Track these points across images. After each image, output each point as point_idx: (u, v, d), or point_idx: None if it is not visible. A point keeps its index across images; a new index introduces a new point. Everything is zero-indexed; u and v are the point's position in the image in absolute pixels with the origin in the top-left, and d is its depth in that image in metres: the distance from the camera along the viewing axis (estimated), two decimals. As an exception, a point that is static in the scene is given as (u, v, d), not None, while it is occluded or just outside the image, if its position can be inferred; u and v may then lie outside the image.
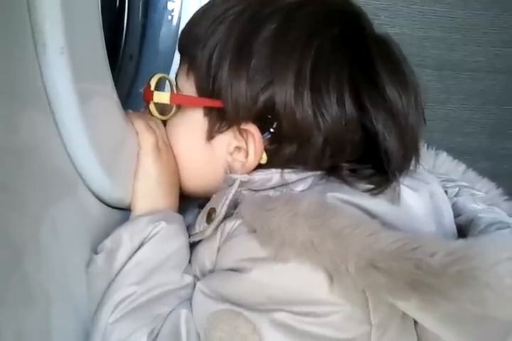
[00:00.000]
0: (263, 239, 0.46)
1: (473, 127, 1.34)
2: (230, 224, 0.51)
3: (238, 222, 0.50)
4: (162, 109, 0.58)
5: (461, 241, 0.43)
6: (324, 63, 0.51)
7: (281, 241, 0.44)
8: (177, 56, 0.60)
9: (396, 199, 0.50)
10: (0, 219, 0.39)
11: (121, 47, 0.89)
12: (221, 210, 0.51)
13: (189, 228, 0.57)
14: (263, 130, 0.52)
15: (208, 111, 0.55)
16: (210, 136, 0.55)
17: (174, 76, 0.60)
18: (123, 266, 0.51)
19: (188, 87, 0.56)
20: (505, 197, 0.66)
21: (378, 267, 0.40)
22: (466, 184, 0.63)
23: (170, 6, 0.89)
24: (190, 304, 0.52)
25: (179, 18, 0.88)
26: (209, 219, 0.52)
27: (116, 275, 0.51)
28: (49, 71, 0.43)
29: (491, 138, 1.35)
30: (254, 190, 0.53)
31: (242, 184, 0.52)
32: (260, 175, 0.53)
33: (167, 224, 0.54)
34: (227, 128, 0.54)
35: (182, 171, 0.59)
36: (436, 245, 0.40)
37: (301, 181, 0.52)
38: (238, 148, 0.55)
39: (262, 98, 0.51)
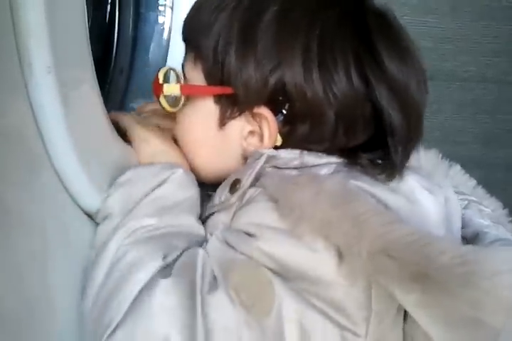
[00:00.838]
0: (283, 211, 0.47)
1: (465, 136, 1.34)
2: (250, 193, 0.51)
3: (259, 190, 0.51)
4: (172, 101, 0.58)
5: (469, 246, 0.45)
6: (329, 40, 0.52)
7: (300, 216, 0.45)
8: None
9: (412, 197, 0.51)
10: None
11: (111, 61, 0.89)
12: (247, 181, 0.52)
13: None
14: (276, 112, 0.53)
15: (218, 99, 0.55)
16: (223, 123, 0.55)
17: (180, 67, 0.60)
18: (141, 200, 0.52)
19: (197, 76, 0.56)
20: (511, 219, 0.66)
21: (389, 255, 0.42)
22: (475, 199, 0.64)
23: (160, 19, 0.89)
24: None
25: (169, 32, 0.87)
26: (232, 189, 0.53)
27: (134, 207, 0.51)
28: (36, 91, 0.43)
29: (484, 148, 1.36)
30: (278, 168, 0.53)
31: (268, 160, 0.53)
32: (286, 154, 0.53)
33: (184, 172, 0.55)
34: (239, 114, 0.54)
35: (197, 159, 0.59)
36: (446, 245, 0.42)
37: (324, 165, 0.53)
38: (252, 133, 0.55)
39: (272, 80, 0.51)
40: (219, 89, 0.54)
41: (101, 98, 0.53)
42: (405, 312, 0.48)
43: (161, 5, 0.90)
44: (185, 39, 0.59)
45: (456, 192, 0.60)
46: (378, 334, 0.48)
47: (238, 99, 0.53)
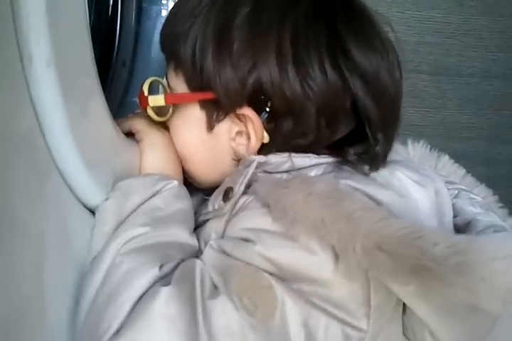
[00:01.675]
0: (276, 214, 0.47)
1: (469, 132, 1.34)
2: (242, 201, 0.52)
3: (251, 197, 0.52)
4: (160, 111, 0.59)
5: (462, 235, 0.46)
6: (301, 37, 0.53)
7: (294, 218, 0.46)
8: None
9: (403, 191, 0.52)
10: None
11: (114, 54, 0.89)
12: (239, 189, 0.52)
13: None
14: (259, 111, 0.54)
15: (203, 104, 0.56)
16: (210, 127, 0.57)
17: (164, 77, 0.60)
18: (134, 210, 0.52)
19: (180, 85, 0.57)
20: (501, 205, 0.67)
21: (384, 249, 0.42)
22: (465, 187, 0.64)
23: (163, 12, 0.89)
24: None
25: (172, 25, 0.87)
26: (226, 197, 0.54)
27: (128, 216, 0.52)
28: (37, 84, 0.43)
29: (488, 143, 1.36)
30: (269, 172, 0.54)
31: (258, 165, 0.54)
32: (275, 158, 0.54)
33: (179, 184, 0.56)
34: (224, 117, 0.56)
35: (191, 165, 0.60)
36: (439, 236, 0.42)
37: (314, 167, 0.54)
38: (239, 133, 0.56)
39: (250, 81, 0.52)
40: (201, 95, 0.55)
41: (102, 92, 0.53)
42: (404, 304, 0.49)
43: (164, -2, 0.90)
44: (163, 49, 0.60)
45: (447, 182, 0.61)
46: (379, 328, 0.48)
47: (220, 102, 0.54)
